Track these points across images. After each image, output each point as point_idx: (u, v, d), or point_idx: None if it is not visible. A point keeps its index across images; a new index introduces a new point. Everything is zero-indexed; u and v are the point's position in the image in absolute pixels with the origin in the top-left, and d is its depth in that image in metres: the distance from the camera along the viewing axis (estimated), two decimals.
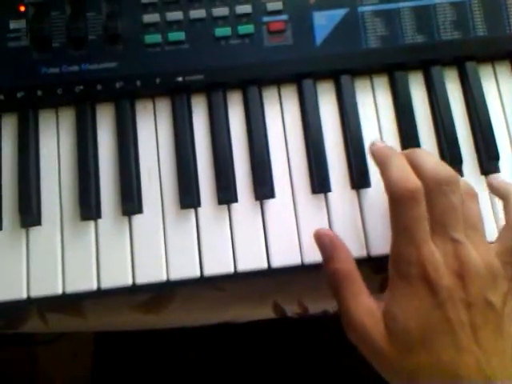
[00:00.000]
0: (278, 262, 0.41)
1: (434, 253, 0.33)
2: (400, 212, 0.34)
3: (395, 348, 0.33)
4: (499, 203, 0.41)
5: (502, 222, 0.38)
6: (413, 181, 0.34)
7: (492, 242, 0.37)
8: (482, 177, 0.43)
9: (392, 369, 0.34)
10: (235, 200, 0.42)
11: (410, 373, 0.33)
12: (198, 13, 0.44)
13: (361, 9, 0.45)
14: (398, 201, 0.34)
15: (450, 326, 0.32)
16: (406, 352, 0.33)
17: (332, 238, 0.38)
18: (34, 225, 0.41)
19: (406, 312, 0.33)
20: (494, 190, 0.39)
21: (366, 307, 0.35)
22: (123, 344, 0.74)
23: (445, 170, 0.35)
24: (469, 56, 0.45)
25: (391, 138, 0.44)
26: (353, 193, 0.42)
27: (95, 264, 0.40)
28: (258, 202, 0.42)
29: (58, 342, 0.86)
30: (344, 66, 0.44)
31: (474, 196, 0.36)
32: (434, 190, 0.34)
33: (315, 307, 0.44)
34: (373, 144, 0.39)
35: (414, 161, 0.36)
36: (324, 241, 0.38)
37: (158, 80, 0.43)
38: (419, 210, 0.34)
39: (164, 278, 0.40)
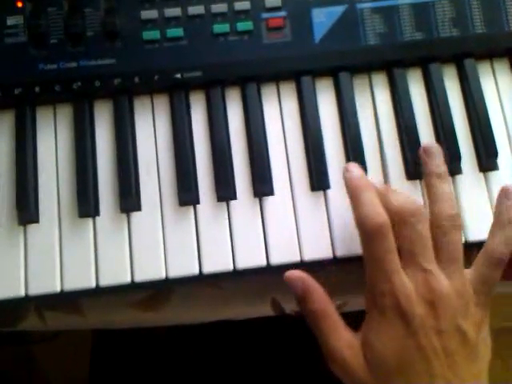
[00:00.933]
0: (276, 259, 0.41)
1: (406, 283, 0.35)
2: (370, 246, 0.36)
3: (374, 377, 0.34)
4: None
5: None
6: (380, 215, 0.35)
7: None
8: (481, 174, 0.43)
9: None
10: (234, 197, 0.42)
11: None
12: (196, 9, 0.44)
13: (360, 5, 0.45)
14: (367, 235, 0.36)
15: (423, 353, 0.33)
16: (384, 381, 0.34)
17: (304, 280, 0.38)
18: (32, 222, 0.41)
19: (383, 341, 0.35)
20: None
21: (344, 340, 0.36)
22: (121, 342, 0.74)
23: (411, 203, 0.37)
24: (467, 53, 0.45)
25: (390, 134, 0.44)
26: None
27: (93, 261, 0.40)
28: (256, 199, 0.42)
29: (56, 340, 0.86)
30: (343, 62, 0.44)
31: (457, 228, 0.37)
32: (401, 222, 0.36)
33: None
34: (346, 170, 0.39)
35: (385, 196, 0.37)
36: (296, 284, 0.38)
37: (156, 76, 0.43)
38: (387, 243, 0.35)
39: (163, 275, 0.40)
